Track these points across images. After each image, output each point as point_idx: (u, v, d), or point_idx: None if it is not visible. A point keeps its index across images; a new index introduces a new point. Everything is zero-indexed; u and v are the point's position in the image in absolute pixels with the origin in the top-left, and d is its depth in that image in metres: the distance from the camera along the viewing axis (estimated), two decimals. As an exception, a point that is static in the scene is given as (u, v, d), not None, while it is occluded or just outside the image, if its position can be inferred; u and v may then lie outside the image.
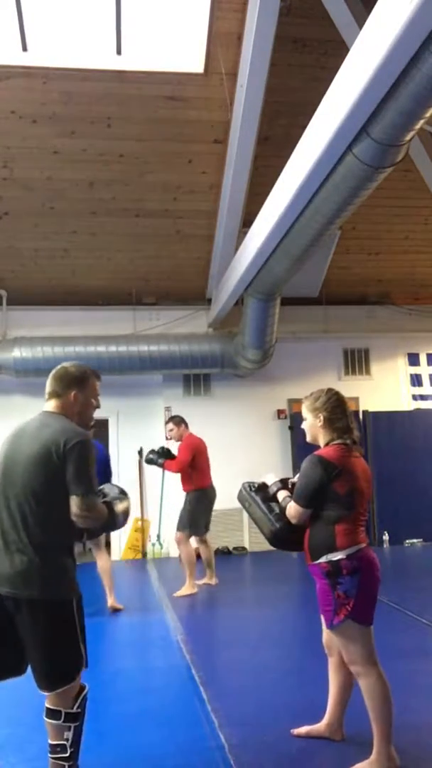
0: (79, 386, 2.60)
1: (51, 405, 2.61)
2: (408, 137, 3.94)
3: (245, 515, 8.46)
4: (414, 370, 9.59)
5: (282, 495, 2.90)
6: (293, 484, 2.92)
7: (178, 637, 4.77)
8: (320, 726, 2.95)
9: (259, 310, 7.40)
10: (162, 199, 7.58)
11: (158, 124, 6.79)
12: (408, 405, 9.45)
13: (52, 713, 2.40)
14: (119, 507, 2.64)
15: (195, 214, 7.83)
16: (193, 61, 6.38)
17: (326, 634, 2.91)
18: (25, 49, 6.18)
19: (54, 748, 2.39)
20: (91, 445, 2.48)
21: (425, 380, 9.60)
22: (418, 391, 9.56)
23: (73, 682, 2.40)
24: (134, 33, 6.16)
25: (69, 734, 2.38)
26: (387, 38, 3.19)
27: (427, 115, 3.70)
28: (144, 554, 8.64)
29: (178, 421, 6.56)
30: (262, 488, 3.01)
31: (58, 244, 7.95)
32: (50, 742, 2.41)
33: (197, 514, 6.30)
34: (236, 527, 8.65)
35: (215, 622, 5.35)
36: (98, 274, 8.41)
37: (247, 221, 6.91)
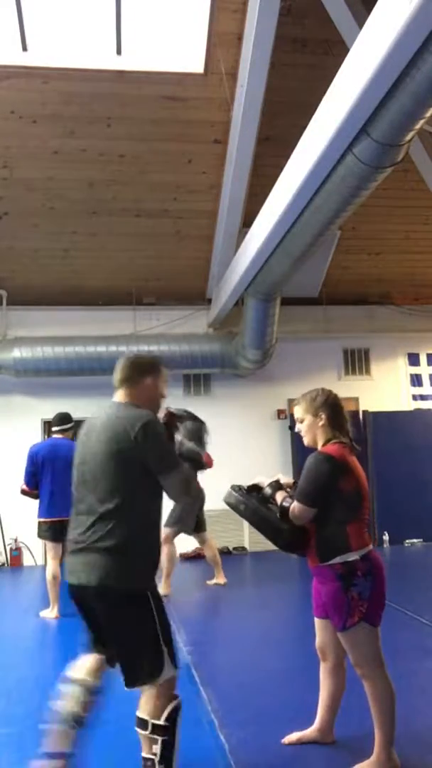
0: (152, 374, 2.59)
1: (120, 394, 2.57)
2: (408, 137, 3.95)
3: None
4: (414, 370, 9.59)
5: (281, 496, 2.80)
6: (290, 486, 2.87)
7: (178, 637, 4.77)
8: (311, 731, 2.92)
9: (259, 310, 7.40)
10: (162, 199, 7.58)
11: (158, 124, 6.79)
12: (408, 405, 9.45)
13: (140, 722, 2.34)
14: (195, 454, 2.55)
15: (195, 214, 7.83)
16: (193, 61, 6.38)
17: (320, 638, 2.87)
18: (25, 49, 6.18)
19: (144, 762, 2.32)
20: (158, 421, 2.45)
21: (425, 380, 9.60)
22: (418, 391, 9.57)
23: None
24: (134, 33, 6.16)
25: (157, 748, 2.28)
26: (387, 38, 3.19)
27: (427, 115, 3.71)
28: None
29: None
30: (255, 489, 2.89)
31: (58, 244, 7.95)
32: (142, 754, 2.35)
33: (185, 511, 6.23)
34: (236, 527, 8.65)
35: (215, 622, 5.34)
36: (98, 274, 8.41)
37: (247, 221, 6.92)
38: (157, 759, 2.27)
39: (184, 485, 2.38)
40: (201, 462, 2.50)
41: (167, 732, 2.30)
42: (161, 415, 2.63)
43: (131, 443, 2.35)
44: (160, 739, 2.29)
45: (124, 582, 2.32)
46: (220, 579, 6.52)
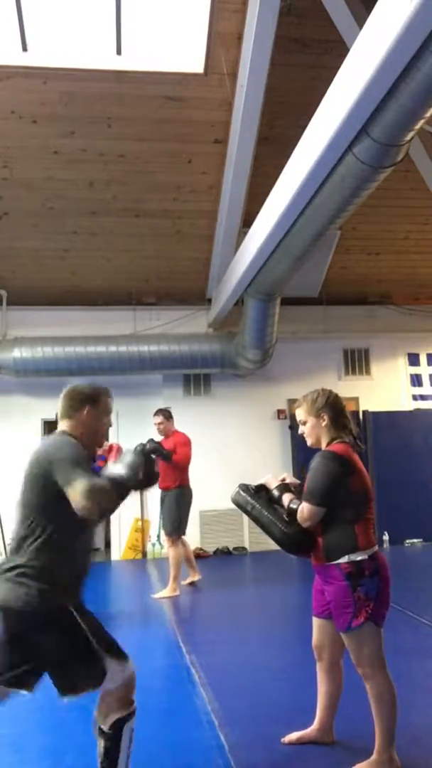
0: (90, 404, 2.54)
1: (62, 426, 2.54)
2: (408, 137, 3.95)
3: (245, 515, 8.46)
4: (414, 370, 9.59)
5: (288, 498, 2.77)
6: (295, 486, 2.84)
7: (178, 637, 4.77)
8: (311, 731, 2.92)
9: (259, 310, 7.39)
10: (162, 199, 7.58)
11: (158, 124, 6.79)
12: (408, 405, 9.45)
13: (94, 719, 2.32)
14: (124, 471, 2.25)
15: (195, 214, 7.83)
16: (193, 61, 6.37)
17: (317, 637, 2.86)
18: (25, 49, 6.18)
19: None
20: (72, 442, 2.38)
21: (425, 380, 9.60)
22: (418, 391, 9.57)
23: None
24: (134, 33, 6.16)
25: (102, 744, 2.26)
26: (387, 38, 3.19)
27: (427, 115, 3.71)
28: (144, 554, 8.64)
29: (168, 414, 6.43)
30: (262, 489, 2.87)
31: (58, 244, 7.95)
32: None
33: (183, 513, 6.20)
34: (236, 527, 8.65)
35: (215, 622, 5.34)
36: (98, 274, 8.41)
37: (247, 221, 6.92)
38: (99, 761, 2.25)
39: (86, 494, 2.12)
40: (123, 482, 2.26)
41: (110, 739, 2.25)
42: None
43: (42, 469, 2.28)
44: (102, 742, 2.25)
45: (30, 605, 2.21)
46: (195, 577, 6.44)
